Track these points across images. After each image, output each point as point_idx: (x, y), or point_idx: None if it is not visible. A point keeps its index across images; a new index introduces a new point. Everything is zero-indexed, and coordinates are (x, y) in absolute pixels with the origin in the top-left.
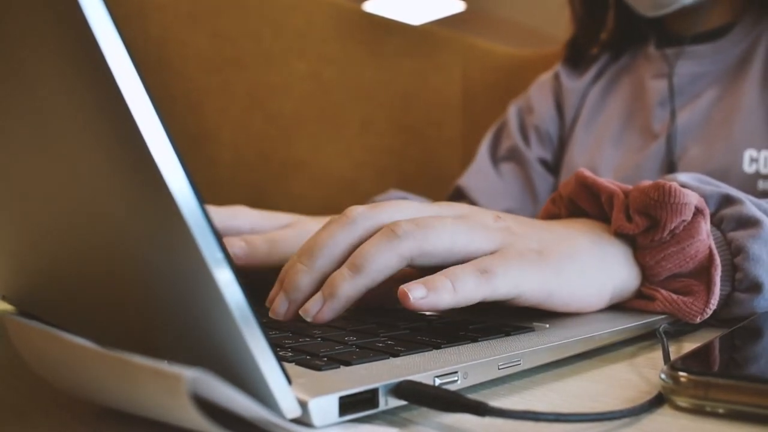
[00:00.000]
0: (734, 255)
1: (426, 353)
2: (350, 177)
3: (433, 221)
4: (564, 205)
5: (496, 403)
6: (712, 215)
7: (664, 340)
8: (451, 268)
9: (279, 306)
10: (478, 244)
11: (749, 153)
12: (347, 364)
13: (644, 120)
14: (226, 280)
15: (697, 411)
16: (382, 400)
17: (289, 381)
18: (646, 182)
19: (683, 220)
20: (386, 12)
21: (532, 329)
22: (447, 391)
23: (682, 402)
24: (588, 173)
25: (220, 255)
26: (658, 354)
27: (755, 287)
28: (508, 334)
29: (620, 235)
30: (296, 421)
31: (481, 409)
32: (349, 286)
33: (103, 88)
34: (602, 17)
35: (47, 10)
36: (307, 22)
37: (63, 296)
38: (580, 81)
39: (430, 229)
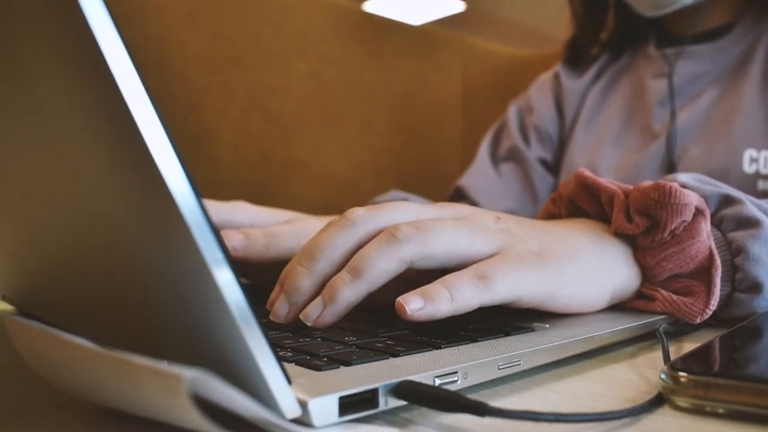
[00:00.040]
0: (734, 255)
1: (426, 353)
2: (350, 177)
3: (433, 224)
4: (564, 205)
5: (496, 403)
6: (712, 215)
7: (664, 340)
8: (448, 276)
9: (279, 309)
10: (478, 246)
11: (749, 153)
12: (347, 364)
13: (644, 120)
14: (226, 280)
15: (697, 411)
16: (382, 400)
17: (289, 381)
18: (647, 182)
19: (684, 221)
20: (386, 12)
21: (532, 329)
22: (447, 392)
23: (682, 402)
24: (588, 173)
25: (220, 255)
26: (658, 354)
27: (755, 287)
28: (508, 334)
29: (620, 236)
30: (296, 421)
31: (481, 410)
32: (350, 291)
33: (103, 88)
34: (602, 17)
35: (47, 10)
36: (307, 22)
37: (63, 296)
38: (580, 81)
39: (430, 233)
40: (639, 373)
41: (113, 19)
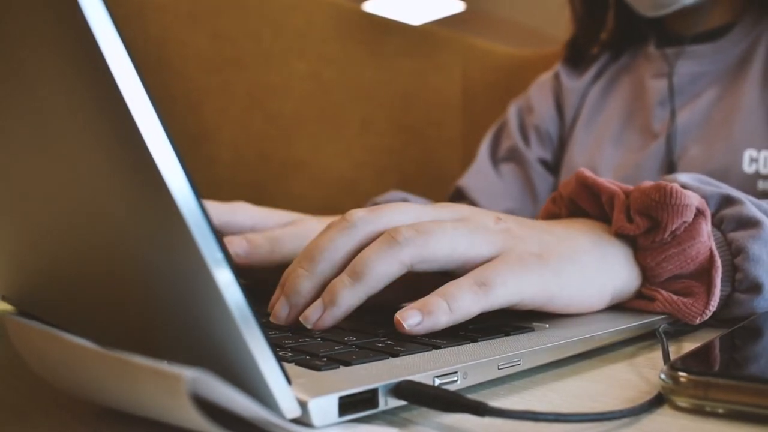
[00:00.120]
0: (734, 255)
1: (426, 353)
2: (350, 177)
3: (433, 227)
4: (564, 205)
5: (495, 403)
6: (713, 216)
7: (664, 340)
8: (446, 285)
9: (280, 310)
10: (478, 248)
11: (749, 153)
12: (347, 364)
13: (644, 120)
14: (226, 280)
15: (697, 411)
16: (381, 400)
17: (289, 381)
18: (647, 183)
19: (684, 222)
20: (386, 12)
21: (531, 329)
22: (447, 391)
23: (681, 402)
24: (588, 173)
25: (219, 255)
26: (658, 354)
27: (755, 288)
28: (507, 334)
29: (621, 236)
30: (296, 421)
31: (480, 409)
32: (350, 294)
33: (103, 88)
34: (602, 17)
35: (47, 10)
36: (307, 22)
37: (63, 296)
38: (580, 81)
39: (430, 235)
40: (639, 373)
41: (113, 19)
